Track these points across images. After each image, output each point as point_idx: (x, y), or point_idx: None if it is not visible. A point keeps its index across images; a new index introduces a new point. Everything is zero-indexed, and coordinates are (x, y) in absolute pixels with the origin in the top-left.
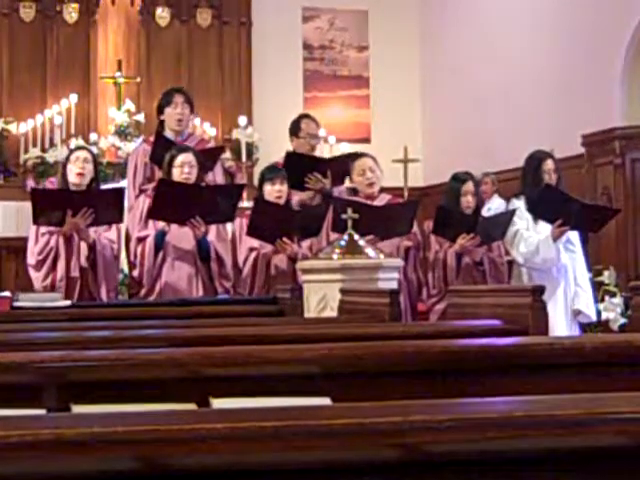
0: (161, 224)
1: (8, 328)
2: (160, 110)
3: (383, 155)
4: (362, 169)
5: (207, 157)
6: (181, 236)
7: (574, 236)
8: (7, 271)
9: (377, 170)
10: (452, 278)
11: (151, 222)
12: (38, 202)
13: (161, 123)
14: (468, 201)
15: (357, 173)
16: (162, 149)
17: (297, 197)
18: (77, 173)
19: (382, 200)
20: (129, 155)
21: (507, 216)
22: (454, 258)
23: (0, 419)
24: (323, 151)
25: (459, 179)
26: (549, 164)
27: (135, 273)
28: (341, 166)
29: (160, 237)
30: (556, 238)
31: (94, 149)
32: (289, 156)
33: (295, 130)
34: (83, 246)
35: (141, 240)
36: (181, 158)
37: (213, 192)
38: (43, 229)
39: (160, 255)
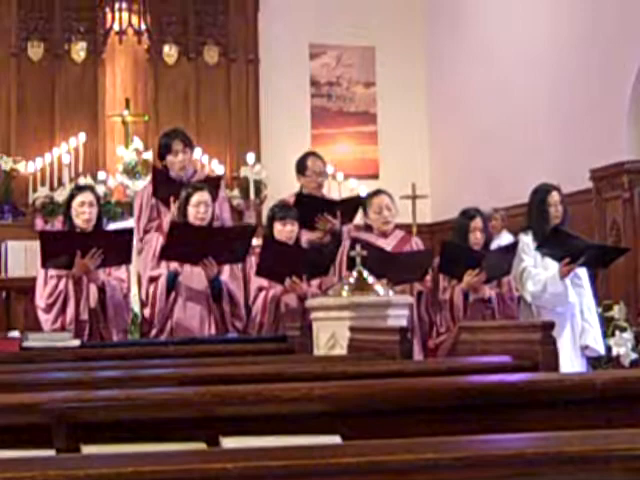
0: (174, 264)
1: (17, 369)
2: (161, 156)
3: (391, 191)
4: (379, 207)
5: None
6: (193, 276)
7: (582, 270)
8: (16, 311)
9: (393, 208)
10: (459, 316)
11: (164, 261)
12: (46, 244)
13: (165, 165)
14: (476, 237)
15: (374, 210)
16: (163, 184)
17: (306, 237)
18: (85, 219)
19: (396, 237)
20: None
21: (510, 250)
22: (461, 296)
23: (10, 460)
24: (331, 187)
25: (467, 215)
26: (554, 196)
27: (147, 313)
28: (350, 206)
29: (172, 277)
30: (564, 276)
31: (102, 188)
32: (299, 197)
33: (301, 168)
34: (92, 288)
35: (153, 280)
36: (197, 197)
37: (225, 233)
38: (52, 271)
39: (172, 295)
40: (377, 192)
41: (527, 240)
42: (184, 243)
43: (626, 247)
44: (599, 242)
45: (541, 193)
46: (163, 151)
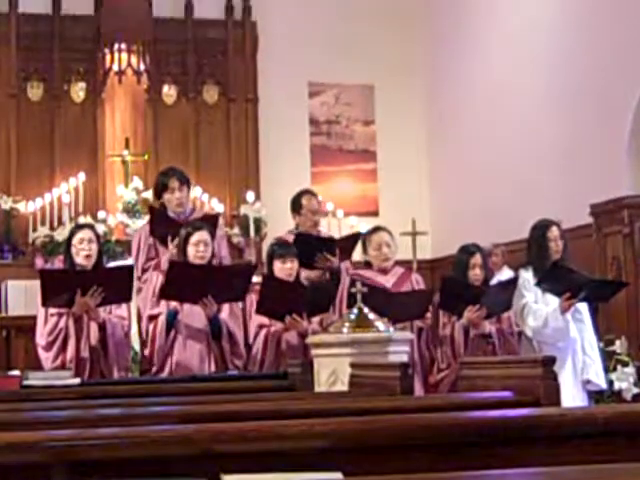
0: (173, 303)
1: (17, 407)
2: (158, 195)
3: (391, 228)
4: (378, 244)
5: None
6: (193, 314)
7: (582, 305)
8: (16, 350)
9: (392, 245)
10: (460, 352)
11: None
12: (47, 283)
13: (163, 204)
14: (476, 274)
15: (373, 247)
16: (161, 223)
17: (304, 274)
18: (85, 256)
19: (395, 274)
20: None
21: (510, 286)
22: (462, 331)
23: None
24: (331, 225)
25: (467, 251)
26: (554, 231)
27: (146, 352)
28: (349, 244)
29: (172, 316)
30: (565, 311)
31: (102, 227)
32: (298, 236)
33: (297, 207)
34: (93, 326)
35: (153, 318)
36: (197, 237)
37: (224, 272)
38: (52, 309)
39: (172, 333)
40: (376, 229)
41: (527, 276)
42: (183, 282)
43: (626, 281)
44: (599, 277)
45: (541, 229)
46: (160, 189)
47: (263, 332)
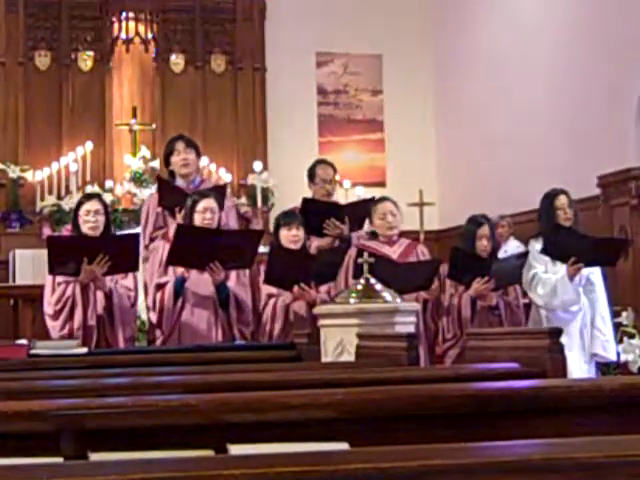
0: (180, 270)
1: (25, 376)
2: (167, 162)
3: (398, 199)
4: (383, 213)
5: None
6: (200, 282)
7: (596, 277)
8: (23, 319)
9: (398, 214)
10: (467, 322)
11: (170, 268)
12: (54, 250)
13: (172, 173)
14: (484, 245)
15: (378, 217)
16: (168, 194)
17: (316, 243)
18: (90, 227)
19: (401, 245)
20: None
21: (520, 259)
22: (469, 302)
23: (18, 467)
24: (338, 195)
25: (475, 222)
26: (561, 199)
27: (154, 319)
28: (358, 211)
29: (179, 284)
30: (572, 276)
31: (109, 196)
32: (305, 202)
33: (311, 176)
34: (99, 295)
35: (160, 287)
36: (203, 204)
37: (232, 237)
38: (59, 278)
39: (179, 301)
40: (381, 199)
41: (538, 246)
42: (191, 246)
43: (626, 238)
44: (600, 236)
45: (549, 198)
46: (167, 153)
47: (272, 302)
